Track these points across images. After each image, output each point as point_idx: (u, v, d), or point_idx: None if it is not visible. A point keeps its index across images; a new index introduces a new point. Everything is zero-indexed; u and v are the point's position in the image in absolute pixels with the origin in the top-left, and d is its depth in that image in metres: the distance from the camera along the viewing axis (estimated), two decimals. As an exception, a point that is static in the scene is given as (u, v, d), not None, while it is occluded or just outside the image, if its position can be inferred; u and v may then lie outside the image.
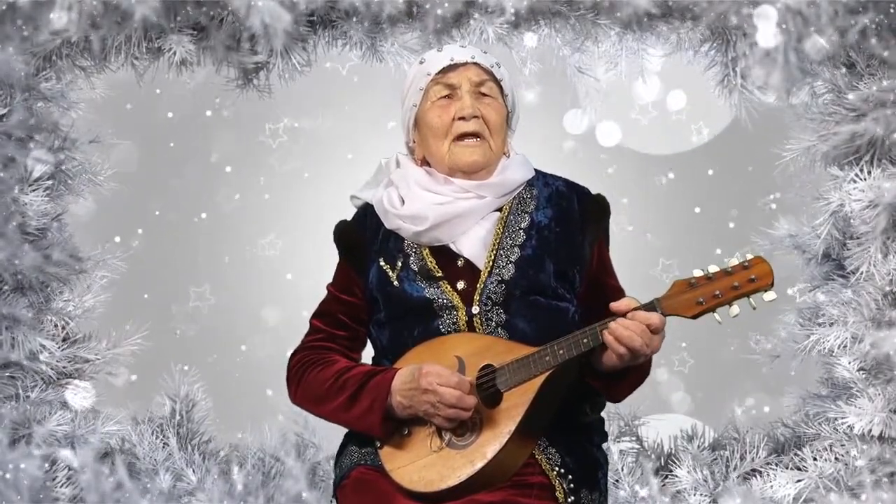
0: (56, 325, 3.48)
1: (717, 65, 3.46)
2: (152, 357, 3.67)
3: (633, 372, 2.75)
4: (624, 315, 2.64)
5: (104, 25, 3.40)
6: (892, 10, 3.18)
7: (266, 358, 4.65)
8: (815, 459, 3.37)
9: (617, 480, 3.54)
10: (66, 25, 3.35)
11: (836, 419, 3.36)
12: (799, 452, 3.41)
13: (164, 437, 3.57)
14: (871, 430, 3.29)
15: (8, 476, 3.16)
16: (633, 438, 3.69)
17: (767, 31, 3.18)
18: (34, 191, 3.42)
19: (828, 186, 3.42)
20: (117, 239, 4.48)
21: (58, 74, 3.50)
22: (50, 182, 3.46)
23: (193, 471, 3.51)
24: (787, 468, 3.40)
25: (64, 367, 3.49)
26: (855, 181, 3.34)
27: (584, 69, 3.64)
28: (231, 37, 3.44)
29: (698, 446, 3.59)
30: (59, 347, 3.47)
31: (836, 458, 3.35)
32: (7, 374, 3.42)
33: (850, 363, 3.37)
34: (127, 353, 3.58)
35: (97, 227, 3.82)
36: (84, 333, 3.55)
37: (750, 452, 3.51)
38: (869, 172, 3.34)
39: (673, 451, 3.62)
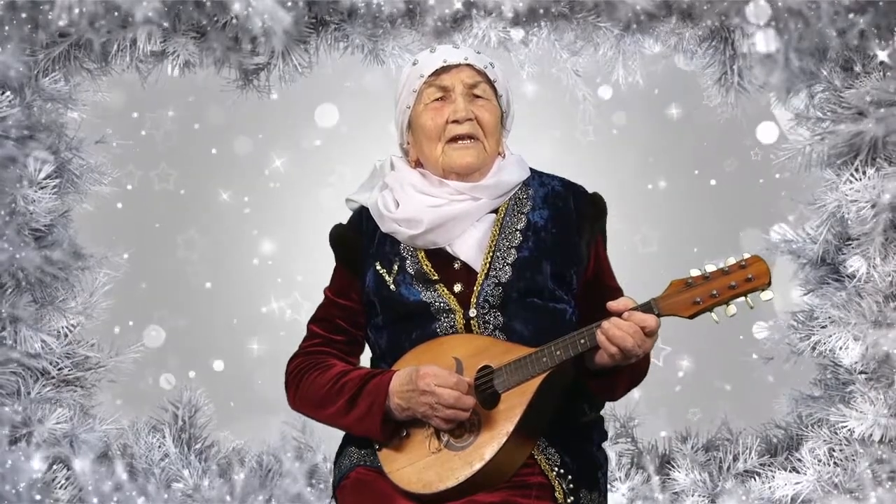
0: (59, 332, 3.44)
1: (715, 64, 3.43)
2: (154, 362, 3.63)
3: (629, 371, 2.69)
4: (620, 315, 2.58)
5: (106, 27, 3.38)
6: (890, 12, 3.14)
7: (267, 360, 4.60)
8: (814, 462, 3.32)
9: (615, 481, 3.50)
10: (68, 27, 3.32)
11: (836, 423, 3.31)
12: (797, 455, 3.37)
13: (160, 437, 3.53)
14: (871, 435, 3.26)
15: (8, 476, 3.12)
16: (629, 440, 3.66)
17: (766, 34, 3.14)
18: (42, 188, 3.42)
19: (824, 188, 3.39)
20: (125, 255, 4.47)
21: (66, 76, 3.50)
22: (58, 180, 3.47)
23: (190, 472, 3.48)
24: (785, 470, 3.36)
25: (69, 372, 3.45)
26: (851, 181, 3.30)
27: (580, 73, 3.60)
28: (232, 38, 3.41)
29: (692, 447, 3.58)
30: (60, 345, 3.44)
31: (835, 463, 3.31)
32: (8, 371, 3.40)
33: (851, 365, 3.33)
34: (129, 360, 3.57)
35: (101, 225, 3.79)
36: (87, 341, 3.54)
37: (743, 453, 3.49)
38: (864, 172, 3.30)
39: (667, 452, 3.61)
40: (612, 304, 2.60)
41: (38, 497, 3.25)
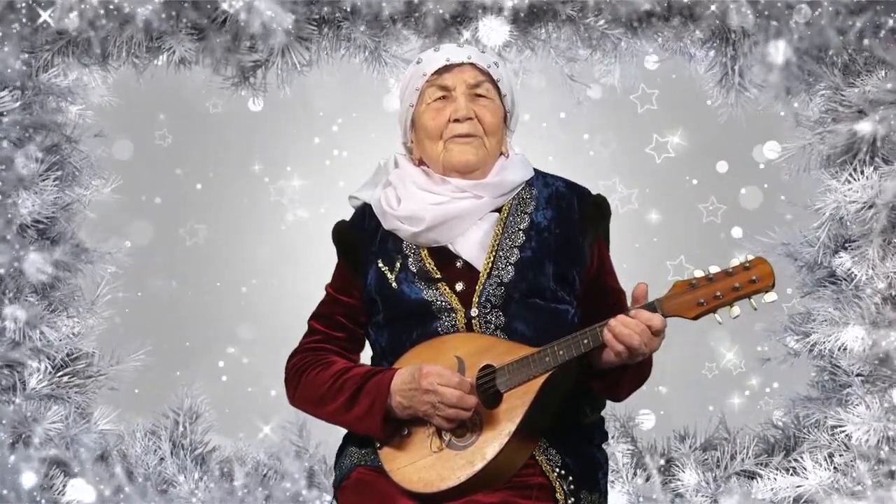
0: (61, 337, 3.41)
1: (716, 65, 3.39)
2: (155, 366, 3.58)
3: (633, 371, 2.65)
4: (639, 301, 2.54)
5: (106, 27, 3.39)
6: (890, 11, 3.11)
7: (267, 359, 4.53)
8: (815, 466, 3.28)
9: (615, 480, 3.46)
10: (68, 25, 3.34)
11: (834, 427, 3.27)
12: (794, 455, 3.32)
13: (156, 439, 3.52)
14: (868, 441, 3.21)
15: (7, 476, 3.08)
16: (628, 440, 3.64)
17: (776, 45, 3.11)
18: (43, 181, 3.40)
19: (822, 189, 3.35)
20: (127, 243, 4.41)
21: (65, 71, 3.49)
22: (59, 172, 3.45)
23: (185, 476, 3.45)
24: (786, 472, 3.32)
25: (69, 380, 3.44)
26: (850, 181, 3.25)
27: (576, 78, 3.56)
28: (230, 37, 3.36)
29: (690, 446, 3.56)
30: (59, 338, 3.42)
31: (835, 468, 3.27)
32: (7, 366, 3.38)
33: (849, 367, 3.28)
34: (130, 368, 3.55)
35: (103, 222, 3.73)
36: (88, 350, 3.51)
37: (740, 453, 3.48)
38: (862, 172, 3.26)
39: (666, 452, 3.59)
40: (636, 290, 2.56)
41: (36, 497, 3.22)
